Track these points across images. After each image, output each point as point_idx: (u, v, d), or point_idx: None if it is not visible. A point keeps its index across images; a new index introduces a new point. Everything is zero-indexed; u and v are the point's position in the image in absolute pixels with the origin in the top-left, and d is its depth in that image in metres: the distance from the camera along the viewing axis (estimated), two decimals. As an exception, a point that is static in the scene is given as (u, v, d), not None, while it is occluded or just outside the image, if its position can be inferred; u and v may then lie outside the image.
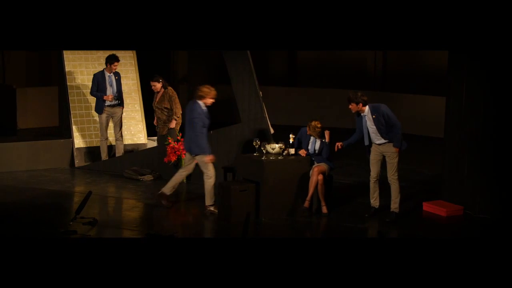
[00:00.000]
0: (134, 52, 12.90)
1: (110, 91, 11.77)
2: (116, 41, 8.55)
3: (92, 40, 8.44)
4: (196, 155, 9.49)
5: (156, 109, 11.65)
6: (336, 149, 9.38)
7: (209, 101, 9.51)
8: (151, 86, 11.69)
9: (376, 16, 8.18)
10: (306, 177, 9.44)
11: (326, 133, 9.59)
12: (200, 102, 9.47)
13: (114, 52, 11.97)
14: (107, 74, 11.78)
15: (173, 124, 11.56)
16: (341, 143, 9.33)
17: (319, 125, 9.51)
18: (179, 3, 8.21)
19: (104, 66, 11.86)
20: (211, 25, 8.28)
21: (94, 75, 11.82)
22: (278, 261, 7.11)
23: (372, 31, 8.27)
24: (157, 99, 11.64)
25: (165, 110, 11.59)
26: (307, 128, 9.57)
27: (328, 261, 7.12)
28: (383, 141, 9.18)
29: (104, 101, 11.73)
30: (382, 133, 9.14)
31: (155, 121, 11.75)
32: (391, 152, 9.17)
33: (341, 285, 6.76)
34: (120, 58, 12.19)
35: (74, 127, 12.23)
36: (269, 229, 9.02)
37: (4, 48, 15.07)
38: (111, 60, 11.72)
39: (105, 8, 8.12)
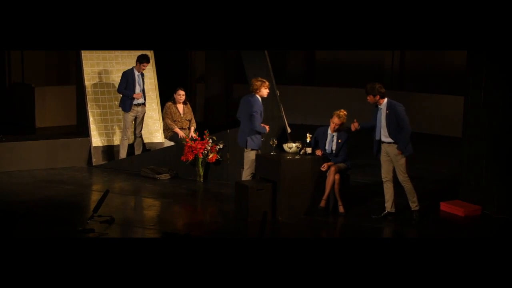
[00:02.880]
0: (152, 51, 12.92)
1: (138, 90, 11.84)
2: (133, 41, 8.56)
3: (110, 40, 8.46)
4: (251, 149, 9.55)
5: (184, 121, 11.86)
6: (353, 129, 9.34)
7: (265, 92, 9.59)
8: (175, 94, 11.84)
9: (394, 16, 8.13)
10: (323, 177, 9.42)
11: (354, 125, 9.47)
12: (257, 96, 9.54)
13: (129, 52, 12.13)
14: (136, 73, 11.84)
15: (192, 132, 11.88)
16: (357, 123, 9.29)
17: (345, 113, 9.49)
18: (197, 3, 8.21)
19: (119, 66, 11.94)
20: (228, 25, 8.27)
21: (124, 73, 11.86)
22: (294, 261, 7.10)
23: (390, 31, 8.23)
24: (184, 112, 11.84)
25: (188, 122, 11.93)
26: (335, 118, 9.46)
27: (344, 261, 7.10)
28: (389, 140, 9.13)
29: (132, 99, 11.78)
30: (390, 131, 9.08)
31: (181, 133, 11.74)
32: (394, 154, 9.11)
33: (357, 285, 6.74)
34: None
35: (91, 126, 12.28)
36: (286, 228, 9.01)
37: (26, 48, 15.14)
38: (142, 60, 11.79)
39: (122, 8, 8.14)
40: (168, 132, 11.86)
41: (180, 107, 11.89)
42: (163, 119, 11.97)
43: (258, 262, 6.99)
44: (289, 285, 6.72)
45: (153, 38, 8.47)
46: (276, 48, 9.39)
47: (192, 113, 12.09)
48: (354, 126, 9.32)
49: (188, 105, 12.07)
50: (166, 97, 12.38)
